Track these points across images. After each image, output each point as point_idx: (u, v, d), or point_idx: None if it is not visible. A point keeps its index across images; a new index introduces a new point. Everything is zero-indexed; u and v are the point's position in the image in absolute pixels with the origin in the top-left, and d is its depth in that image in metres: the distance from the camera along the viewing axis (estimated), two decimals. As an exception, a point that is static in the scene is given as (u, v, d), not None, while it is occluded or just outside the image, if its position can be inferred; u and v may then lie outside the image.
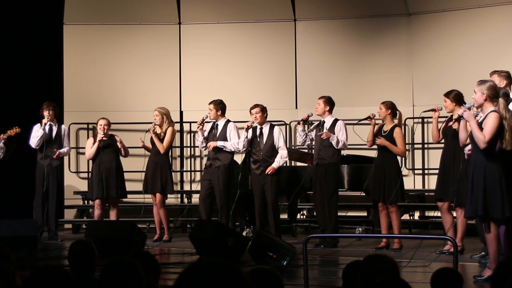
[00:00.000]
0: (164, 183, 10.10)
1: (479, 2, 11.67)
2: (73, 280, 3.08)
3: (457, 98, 8.48)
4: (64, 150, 10.50)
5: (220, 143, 9.80)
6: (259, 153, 9.65)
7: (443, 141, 8.74)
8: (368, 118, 9.23)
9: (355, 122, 9.80)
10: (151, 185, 10.11)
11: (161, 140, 10.08)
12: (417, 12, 12.27)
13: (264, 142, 9.67)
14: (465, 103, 8.34)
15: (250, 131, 9.67)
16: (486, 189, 6.47)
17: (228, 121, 10.00)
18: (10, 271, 3.69)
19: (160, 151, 10.08)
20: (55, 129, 10.39)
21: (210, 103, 9.97)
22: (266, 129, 9.73)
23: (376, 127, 9.21)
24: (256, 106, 9.72)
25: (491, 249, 6.57)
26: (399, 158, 9.38)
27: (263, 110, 9.69)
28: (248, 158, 10.51)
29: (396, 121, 9.12)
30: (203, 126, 9.88)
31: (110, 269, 3.30)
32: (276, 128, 9.83)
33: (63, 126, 10.63)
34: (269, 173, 9.53)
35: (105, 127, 10.20)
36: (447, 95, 8.55)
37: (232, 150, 9.91)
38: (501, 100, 6.50)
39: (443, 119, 8.91)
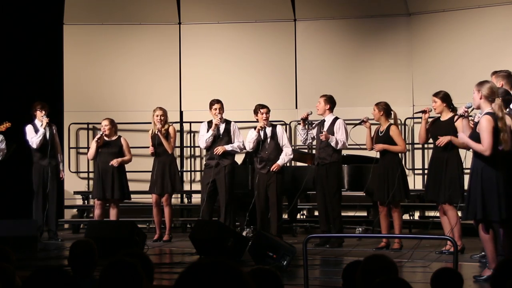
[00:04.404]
0: (174, 182, 10.11)
1: (479, 2, 11.67)
2: (73, 280, 3.08)
3: (446, 98, 8.50)
4: (61, 166, 10.48)
5: (228, 148, 9.79)
6: (264, 153, 9.64)
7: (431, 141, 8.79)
8: (362, 121, 9.23)
9: (351, 127, 9.76)
10: (162, 185, 10.07)
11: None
12: (417, 12, 12.28)
13: (269, 142, 9.67)
14: (454, 106, 8.45)
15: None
16: (483, 191, 6.48)
17: (229, 121, 9.99)
18: (10, 271, 3.69)
19: (169, 151, 10.10)
20: (48, 129, 10.36)
21: (218, 102, 9.88)
22: (269, 129, 9.73)
23: (373, 129, 9.21)
24: (264, 106, 9.70)
25: (488, 250, 6.58)
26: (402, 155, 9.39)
27: (269, 110, 9.72)
28: (249, 158, 10.52)
29: (391, 121, 9.13)
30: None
31: (110, 269, 3.30)
32: (278, 127, 9.87)
33: (53, 126, 10.56)
34: (274, 170, 9.52)
35: (106, 127, 10.20)
36: (436, 95, 8.57)
37: (239, 151, 9.94)
38: (497, 100, 6.49)
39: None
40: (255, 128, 9.74)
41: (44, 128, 10.22)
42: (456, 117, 8.25)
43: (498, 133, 6.42)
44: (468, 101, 7.05)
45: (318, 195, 9.53)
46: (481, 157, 6.51)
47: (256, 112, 9.72)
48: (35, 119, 10.31)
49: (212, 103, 9.88)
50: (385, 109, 9.10)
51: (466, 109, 7.02)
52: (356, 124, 9.55)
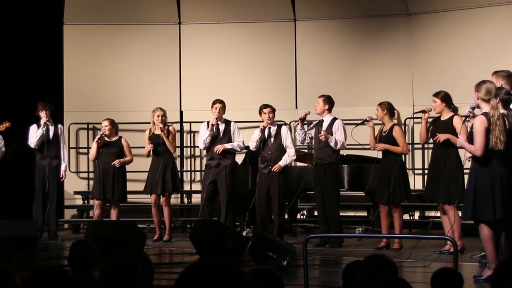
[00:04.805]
0: (175, 181, 10.11)
1: (479, 2, 11.67)
2: (73, 280, 3.08)
3: (446, 98, 8.50)
4: (63, 167, 10.46)
5: (228, 146, 9.78)
6: (267, 152, 9.61)
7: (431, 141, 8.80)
8: (365, 121, 9.22)
9: (353, 126, 9.74)
10: (163, 185, 10.05)
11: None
12: (417, 12, 12.28)
13: (272, 142, 9.64)
14: (454, 106, 8.45)
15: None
16: (476, 192, 6.49)
17: (229, 121, 9.99)
18: (10, 271, 3.68)
19: (172, 150, 10.14)
20: (52, 128, 10.37)
21: (220, 102, 9.87)
22: (274, 129, 9.69)
23: (377, 129, 9.20)
24: (267, 106, 9.66)
25: (487, 249, 6.58)
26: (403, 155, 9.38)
27: (274, 110, 9.67)
28: (249, 158, 10.51)
29: (395, 121, 9.12)
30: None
31: (110, 269, 3.30)
32: (283, 128, 9.81)
33: (59, 126, 10.60)
34: (275, 170, 9.49)
35: (105, 128, 10.20)
36: (436, 95, 8.57)
37: (239, 150, 9.93)
38: (492, 101, 6.48)
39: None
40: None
41: (43, 128, 10.23)
42: (456, 118, 8.31)
43: (490, 133, 6.42)
44: (468, 100, 7.06)
45: (316, 195, 9.52)
46: (476, 157, 6.52)
47: (260, 112, 9.69)
48: (41, 119, 10.34)
49: (213, 102, 9.88)
50: (389, 108, 9.08)
51: (470, 110, 7.03)
52: (358, 124, 9.54)
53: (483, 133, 6.41)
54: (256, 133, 9.64)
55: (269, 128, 9.66)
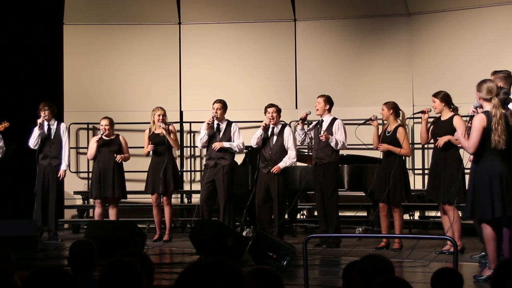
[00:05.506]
0: (176, 180, 10.13)
1: (479, 2, 11.67)
2: (73, 280, 3.08)
3: (445, 98, 8.50)
4: (63, 166, 10.43)
5: (226, 144, 9.77)
6: (268, 152, 9.60)
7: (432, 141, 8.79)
8: (370, 120, 9.21)
9: (357, 124, 9.73)
10: (164, 184, 10.05)
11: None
12: (417, 12, 12.28)
13: (274, 142, 9.62)
14: (455, 105, 8.45)
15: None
16: (475, 190, 6.50)
17: (230, 121, 9.98)
18: (9, 271, 3.68)
19: (176, 148, 10.27)
20: (53, 128, 10.39)
21: (219, 102, 9.89)
22: (277, 129, 9.68)
23: (381, 128, 9.18)
24: (272, 105, 9.64)
25: (489, 249, 6.57)
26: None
27: (279, 110, 9.64)
28: (249, 158, 10.51)
29: (399, 121, 9.11)
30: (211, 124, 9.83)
31: (110, 269, 3.30)
32: (287, 129, 9.76)
33: (62, 125, 10.59)
34: (274, 171, 9.47)
35: (106, 127, 10.21)
36: (436, 95, 8.57)
37: (237, 151, 9.91)
38: (493, 100, 6.48)
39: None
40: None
41: (39, 129, 10.24)
42: (457, 118, 8.32)
43: (489, 132, 6.42)
44: (468, 100, 7.06)
45: (316, 195, 9.51)
46: (475, 156, 6.53)
47: (265, 111, 9.68)
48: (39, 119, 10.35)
49: (213, 102, 9.90)
50: (394, 109, 9.07)
51: (474, 109, 7.03)
52: (360, 124, 9.53)
53: (479, 132, 6.42)
54: (259, 131, 9.65)
55: (273, 128, 9.65)
